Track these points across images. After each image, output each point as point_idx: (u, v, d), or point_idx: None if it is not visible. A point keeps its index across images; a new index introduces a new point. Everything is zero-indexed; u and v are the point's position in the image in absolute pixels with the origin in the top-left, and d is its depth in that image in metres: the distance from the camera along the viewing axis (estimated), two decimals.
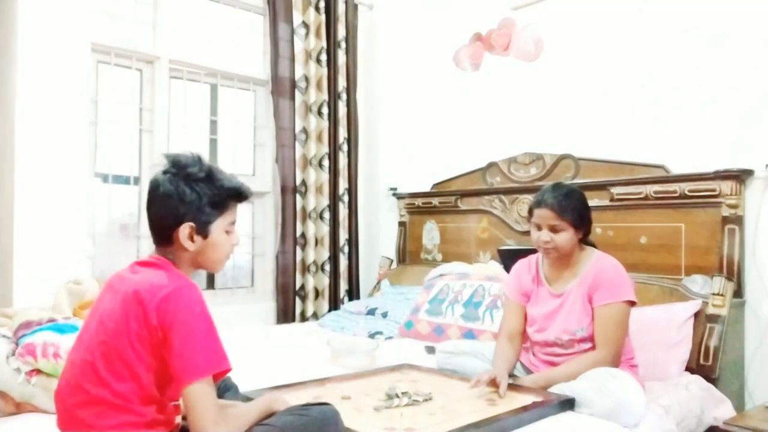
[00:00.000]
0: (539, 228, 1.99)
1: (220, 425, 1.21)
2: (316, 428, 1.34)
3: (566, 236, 1.96)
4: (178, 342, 1.20)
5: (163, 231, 1.33)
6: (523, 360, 2.16)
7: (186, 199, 1.30)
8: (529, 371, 2.12)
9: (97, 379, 1.22)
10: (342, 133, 3.85)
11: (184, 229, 1.31)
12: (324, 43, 3.80)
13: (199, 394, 1.19)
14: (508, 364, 2.00)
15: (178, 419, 1.32)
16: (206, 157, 1.42)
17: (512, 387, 1.91)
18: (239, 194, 1.40)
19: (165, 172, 1.33)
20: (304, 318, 3.65)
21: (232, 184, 1.38)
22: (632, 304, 1.96)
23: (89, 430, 1.21)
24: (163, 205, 1.31)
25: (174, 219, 1.31)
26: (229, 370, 1.26)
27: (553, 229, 1.96)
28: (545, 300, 2.07)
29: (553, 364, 2.05)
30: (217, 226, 1.36)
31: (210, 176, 1.35)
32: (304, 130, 3.69)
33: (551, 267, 2.09)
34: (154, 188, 1.33)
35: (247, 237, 3.75)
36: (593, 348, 1.97)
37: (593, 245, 2.12)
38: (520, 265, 2.19)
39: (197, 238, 1.33)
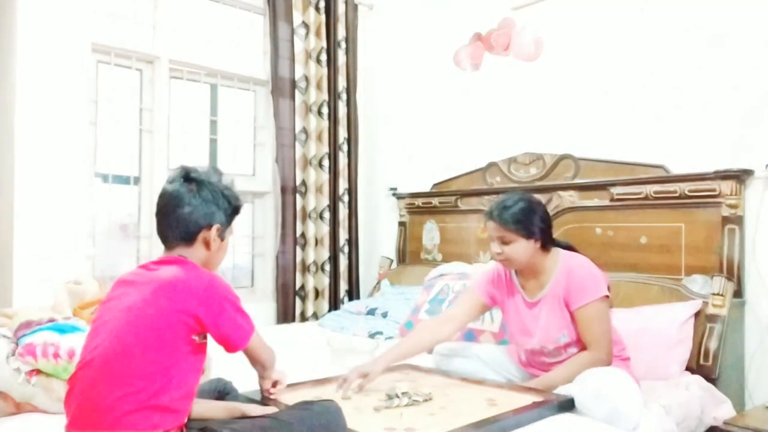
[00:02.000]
0: (492, 240, 2.00)
1: (273, 357, 1.61)
2: (319, 423, 1.39)
3: (517, 247, 1.94)
4: (227, 319, 1.37)
5: (191, 232, 1.45)
6: (515, 360, 2.17)
7: (221, 205, 1.48)
8: (522, 372, 2.12)
9: (127, 361, 1.25)
10: (342, 133, 3.85)
11: (214, 230, 1.47)
12: (324, 43, 3.80)
13: (257, 344, 1.49)
14: (398, 354, 2.02)
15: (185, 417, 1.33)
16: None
17: (512, 387, 1.93)
18: (241, 208, 1.57)
19: (194, 180, 1.45)
20: (304, 318, 3.65)
21: (241, 198, 1.56)
22: (607, 297, 1.94)
23: (108, 413, 1.21)
24: (200, 207, 1.44)
25: (208, 220, 1.46)
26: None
27: (503, 241, 1.96)
28: (521, 309, 2.06)
29: (544, 370, 2.05)
30: (229, 232, 1.54)
31: (231, 187, 1.53)
32: (304, 130, 3.69)
33: (521, 276, 2.08)
34: (187, 193, 1.44)
35: (247, 237, 3.75)
36: (581, 350, 1.95)
37: (567, 246, 2.08)
38: (496, 269, 2.16)
39: (217, 240, 1.48)
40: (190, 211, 1.43)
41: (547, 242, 2.01)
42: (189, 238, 1.45)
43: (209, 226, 1.45)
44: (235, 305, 1.40)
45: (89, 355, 1.29)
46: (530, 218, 1.95)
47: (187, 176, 1.46)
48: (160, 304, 1.30)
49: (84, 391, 1.26)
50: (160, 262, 1.42)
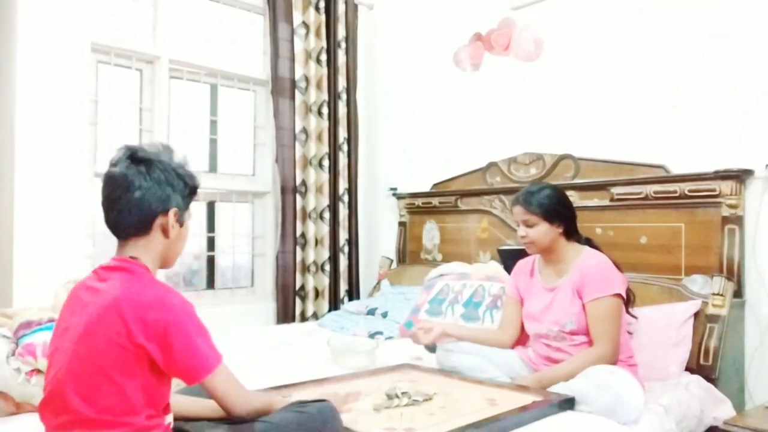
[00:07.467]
0: (518, 224, 2.14)
1: (251, 404, 1.33)
2: (314, 425, 1.35)
3: (540, 230, 2.08)
4: (180, 345, 1.21)
5: (146, 218, 1.30)
6: (522, 356, 2.19)
7: (176, 186, 1.32)
8: (530, 369, 2.14)
9: (80, 397, 1.18)
10: (342, 133, 3.85)
11: (171, 215, 1.32)
12: (324, 43, 3.80)
13: (222, 380, 1.27)
14: (468, 330, 2.28)
15: (169, 419, 1.31)
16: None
17: (512, 387, 1.93)
18: (197, 188, 1.41)
19: (142, 161, 1.30)
20: (304, 318, 3.65)
21: (197, 177, 1.40)
22: (621, 298, 2.00)
23: None
24: (152, 190, 1.29)
25: (163, 204, 1.31)
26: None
27: (527, 224, 2.10)
28: (539, 293, 2.16)
29: (549, 357, 2.09)
30: (188, 216, 1.39)
31: (185, 166, 1.37)
32: (304, 130, 3.69)
33: (544, 263, 2.19)
34: (136, 175, 1.28)
35: (247, 237, 3.75)
36: (587, 343, 2.00)
37: (593, 245, 2.17)
38: (520, 263, 2.30)
39: (176, 226, 1.34)
40: (141, 195, 1.27)
41: (570, 231, 2.12)
42: (144, 227, 1.30)
43: (166, 211, 1.30)
44: (186, 332, 1.22)
45: (48, 387, 1.25)
46: (553, 204, 2.09)
47: (134, 156, 1.29)
48: (103, 333, 1.18)
49: (52, 428, 1.24)
50: (110, 268, 1.29)
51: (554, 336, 2.07)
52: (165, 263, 1.38)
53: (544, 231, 2.07)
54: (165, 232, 1.32)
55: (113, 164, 1.31)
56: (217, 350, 1.28)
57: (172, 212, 1.32)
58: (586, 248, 2.13)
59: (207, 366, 1.24)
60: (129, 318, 1.18)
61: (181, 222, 1.35)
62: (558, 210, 2.09)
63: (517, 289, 2.27)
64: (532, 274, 2.22)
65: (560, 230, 2.09)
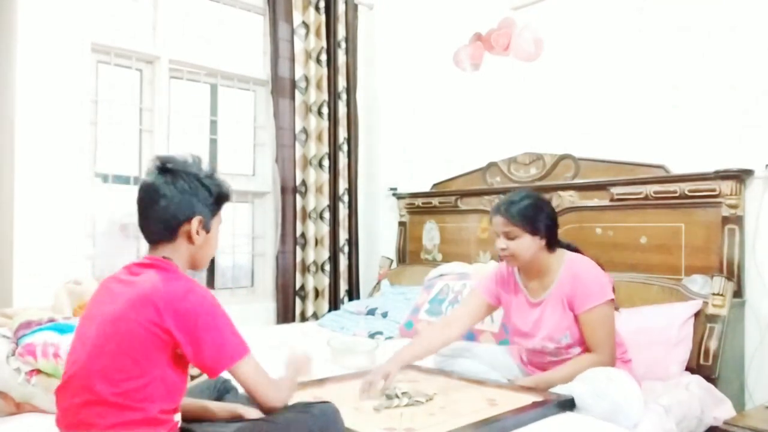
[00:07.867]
0: (498, 236, 2.00)
1: (282, 391, 1.40)
2: (317, 425, 1.37)
3: (523, 243, 1.94)
4: (209, 338, 1.27)
5: (170, 226, 1.38)
6: (519, 362, 2.17)
7: (199, 194, 1.39)
8: (527, 374, 2.12)
9: (103, 378, 1.22)
10: (342, 133, 3.85)
11: (195, 222, 1.38)
12: (324, 43, 3.80)
13: (251, 369, 1.33)
14: (412, 354, 2.02)
15: (177, 417, 1.32)
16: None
17: (512, 387, 1.93)
18: (228, 196, 1.48)
19: (169, 171, 1.38)
20: (304, 318, 3.65)
21: (226, 185, 1.47)
22: (611, 301, 1.94)
23: (89, 430, 1.21)
24: (176, 199, 1.36)
25: (187, 213, 1.38)
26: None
27: (508, 236, 1.96)
28: (525, 309, 2.05)
29: (545, 369, 2.05)
30: (215, 223, 1.45)
31: (213, 175, 1.44)
32: (304, 130, 3.70)
33: (525, 275, 2.07)
34: (162, 185, 1.37)
35: (247, 237, 3.75)
36: (583, 352, 1.96)
37: (573, 248, 2.09)
38: (499, 269, 2.16)
39: (202, 232, 1.40)
40: (166, 204, 1.36)
41: (553, 241, 2.00)
42: (170, 234, 1.38)
43: (189, 219, 1.37)
44: (216, 323, 1.29)
45: (69, 370, 1.28)
46: (536, 215, 1.96)
47: (163, 166, 1.39)
48: (134, 318, 1.24)
49: (68, 409, 1.26)
50: (143, 265, 1.36)
51: (550, 351, 2.00)
52: (195, 266, 1.45)
53: (527, 244, 1.94)
54: (190, 238, 1.39)
55: (147, 173, 1.41)
56: (244, 341, 1.34)
57: (196, 220, 1.38)
58: (567, 253, 2.02)
59: (234, 356, 1.31)
60: (162, 307, 1.24)
61: (207, 228, 1.41)
62: (541, 220, 1.95)
63: (496, 297, 2.13)
64: (515, 291, 2.09)
65: (543, 242, 1.96)
